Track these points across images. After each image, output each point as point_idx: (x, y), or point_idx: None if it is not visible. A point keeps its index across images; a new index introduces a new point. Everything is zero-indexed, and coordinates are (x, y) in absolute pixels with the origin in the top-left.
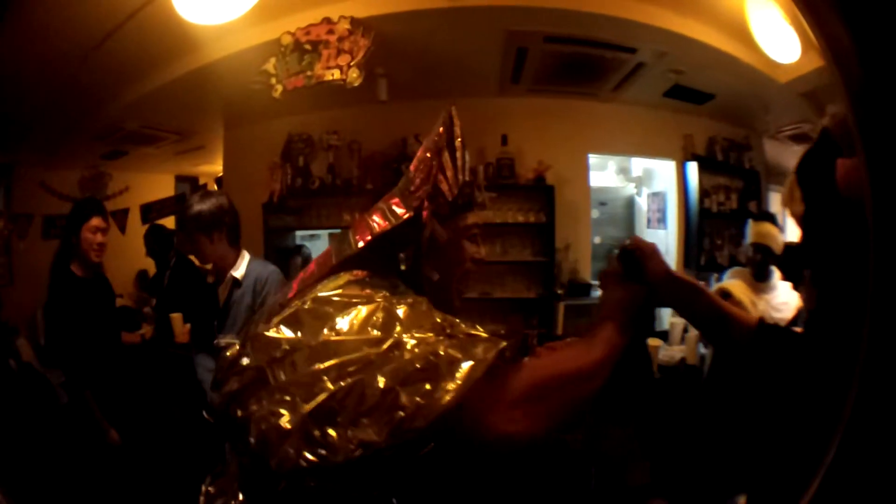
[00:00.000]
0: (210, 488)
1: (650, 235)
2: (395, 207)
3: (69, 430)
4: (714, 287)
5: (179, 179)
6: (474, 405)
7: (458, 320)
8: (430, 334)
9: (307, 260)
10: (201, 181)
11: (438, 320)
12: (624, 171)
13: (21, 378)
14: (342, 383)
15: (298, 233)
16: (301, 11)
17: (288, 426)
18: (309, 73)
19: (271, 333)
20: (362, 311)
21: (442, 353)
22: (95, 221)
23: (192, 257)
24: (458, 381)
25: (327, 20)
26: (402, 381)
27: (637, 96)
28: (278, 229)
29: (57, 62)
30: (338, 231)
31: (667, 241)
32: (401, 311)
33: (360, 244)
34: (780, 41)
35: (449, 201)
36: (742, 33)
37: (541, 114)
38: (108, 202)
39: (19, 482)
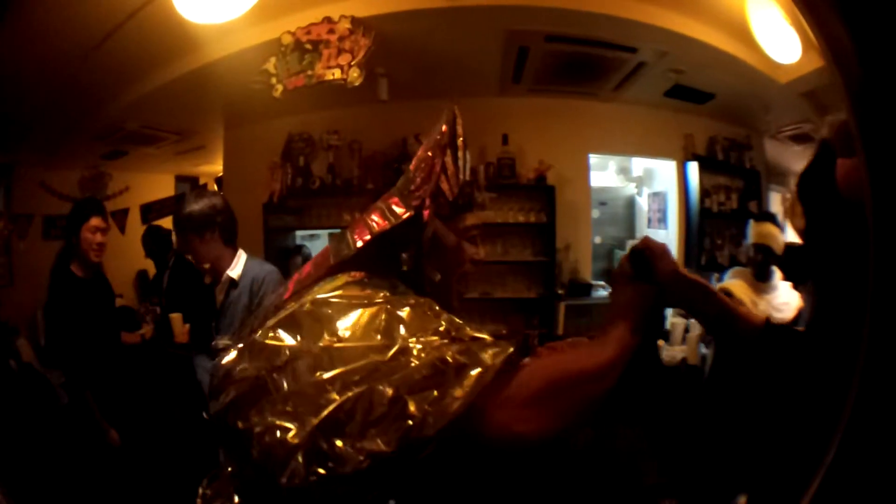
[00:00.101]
0: (207, 490)
1: (651, 235)
2: (394, 207)
3: (69, 431)
4: (715, 287)
5: (179, 179)
6: (483, 405)
7: (462, 322)
8: (436, 338)
9: (307, 260)
10: (201, 181)
11: (443, 323)
12: (624, 171)
13: (21, 378)
14: (349, 393)
15: (299, 233)
16: (301, 11)
17: (295, 440)
18: (310, 72)
19: (270, 341)
20: (364, 314)
21: (450, 359)
22: (95, 221)
23: (189, 257)
24: (467, 389)
25: (328, 19)
26: (410, 390)
27: (638, 96)
28: (278, 229)
29: (57, 62)
30: (338, 231)
31: (667, 240)
32: (404, 313)
33: (359, 244)
34: (781, 41)
35: (449, 201)
36: (743, 33)
37: (541, 113)
38: (108, 202)
39: (19, 482)
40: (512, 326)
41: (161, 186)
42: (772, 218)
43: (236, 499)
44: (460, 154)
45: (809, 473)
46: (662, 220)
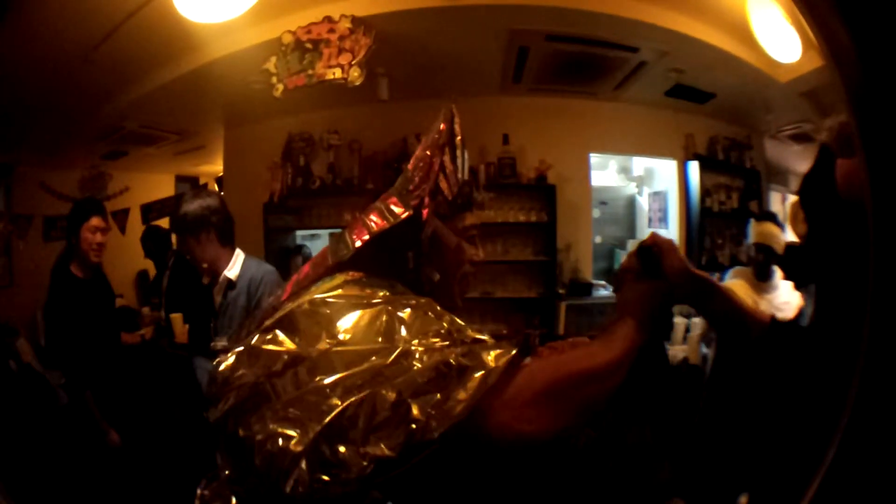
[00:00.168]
0: (205, 492)
1: None
2: (393, 207)
3: (69, 431)
4: None
5: (180, 179)
6: (485, 405)
7: (463, 323)
8: (437, 340)
9: (307, 260)
10: (201, 181)
11: (445, 325)
12: (625, 171)
13: (21, 379)
14: (351, 398)
15: (299, 233)
16: (302, 10)
17: (298, 448)
18: (310, 71)
19: (268, 345)
20: (365, 315)
21: (452, 362)
22: (95, 221)
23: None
24: (470, 391)
25: (328, 19)
26: (413, 393)
27: (638, 95)
28: (279, 229)
29: (57, 62)
30: (338, 231)
31: None
32: (405, 314)
33: (358, 243)
34: (781, 41)
35: (448, 201)
36: (743, 33)
37: (542, 113)
38: (109, 202)
39: (19, 482)
40: (513, 326)
41: (161, 186)
42: (772, 217)
43: (233, 500)
44: (459, 153)
45: (811, 472)
46: (663, 220)
